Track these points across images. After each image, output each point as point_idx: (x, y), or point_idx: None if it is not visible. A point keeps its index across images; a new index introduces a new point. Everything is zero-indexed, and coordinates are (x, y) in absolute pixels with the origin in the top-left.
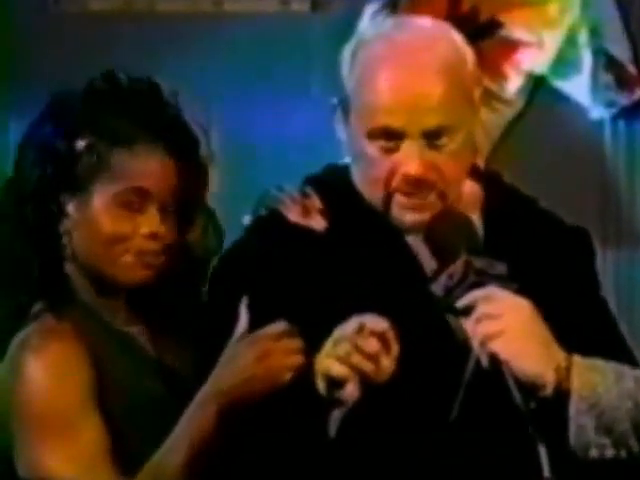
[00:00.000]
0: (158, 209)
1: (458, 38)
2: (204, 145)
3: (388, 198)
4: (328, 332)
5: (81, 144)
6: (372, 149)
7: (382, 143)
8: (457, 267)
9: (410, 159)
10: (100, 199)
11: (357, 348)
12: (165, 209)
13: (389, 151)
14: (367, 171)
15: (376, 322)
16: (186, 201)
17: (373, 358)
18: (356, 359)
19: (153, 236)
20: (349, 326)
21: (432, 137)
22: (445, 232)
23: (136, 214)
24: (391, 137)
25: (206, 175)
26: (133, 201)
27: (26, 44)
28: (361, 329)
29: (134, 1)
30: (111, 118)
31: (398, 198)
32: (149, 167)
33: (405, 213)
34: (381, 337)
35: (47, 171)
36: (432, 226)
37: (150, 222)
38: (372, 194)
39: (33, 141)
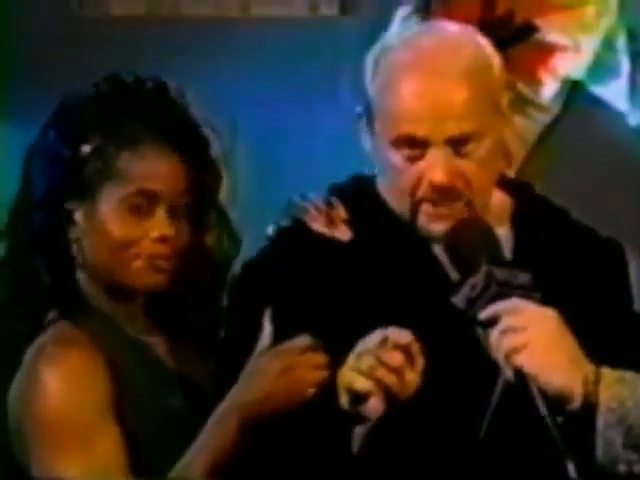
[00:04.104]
0: (167, 211)
1: (484, 43)
2: (215, 145)
3: (415, 207)
4: (353, 344)
5: (86, 149)
6: (397, 157)
7: (407, 151)
8: (479, 278)
9: (435, 167)
10: (107, 204)
11: (380, 362)
12: (175, 211)
13: (414, 159)
14: (393, 180)
15: (400, 335)
16: (199, 202)
17: (397, 372)
18: (380, 373)
19: (163, 239)
20: (372, 339)
21: (457, 144)
22: (465, 241)
23: (144, 217)
24: (415, 145)
25: (218, 175)
26: (141, 204)
27: (49, 48)
28: (384, 342)
29: (158, 5)
30: (118, 120)
31: (425, 207)
32: (156, 168)
33: (432, 222)
34: (405, 350)
35: (54, 179)
36: (452, 235)
37: (159, 225)
38: (399, 203)
39: (38, 149)
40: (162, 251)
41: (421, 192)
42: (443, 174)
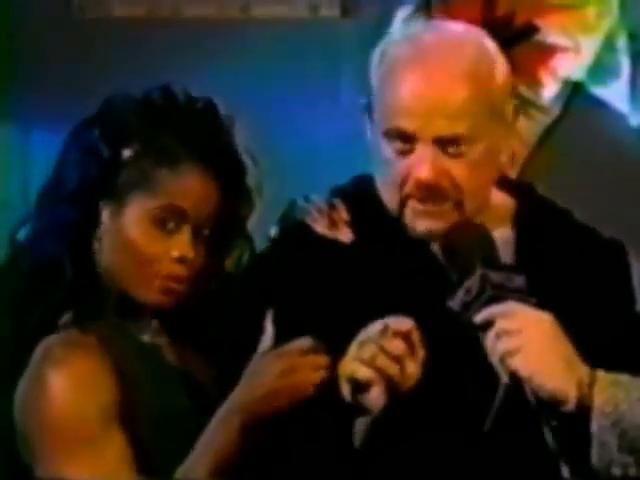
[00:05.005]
0: (192, 232)
1: (490, 46)
2: (252, 174)
3: (402, 203)
4: None
5: (127, 153)
6: (388, 150)
7: (398, 145)
8: (474, 281)
9: (421, 164)
10: (134, 211)
11: (382, 349)
12: (199, 232)
13: (404, 153)
14: (384, 173)
15: (400, 322)
16: (225, 227)
17: (398, 360)
18: (381, 361)
19: (182, 260)
20: (373, 328)
21: (446, 144)
22: (461, 244)
23: (168, 234)
24: (406, 140)
25: (250, 204)
26: (168, 220)
27: (50, 49)
28: (385, 330)
29: (159, 7)
30: (161, 134)
31: (412, 204)
32: (190, 187)
33: (418, 220)
34: (406, 337)
35: (87, 174)
36: (448, 237)
37: (182, 245)
38: (389, 198)
39: (78, 141)
40: (179, 272)
41: (408, 188)
42: (429, 171)
